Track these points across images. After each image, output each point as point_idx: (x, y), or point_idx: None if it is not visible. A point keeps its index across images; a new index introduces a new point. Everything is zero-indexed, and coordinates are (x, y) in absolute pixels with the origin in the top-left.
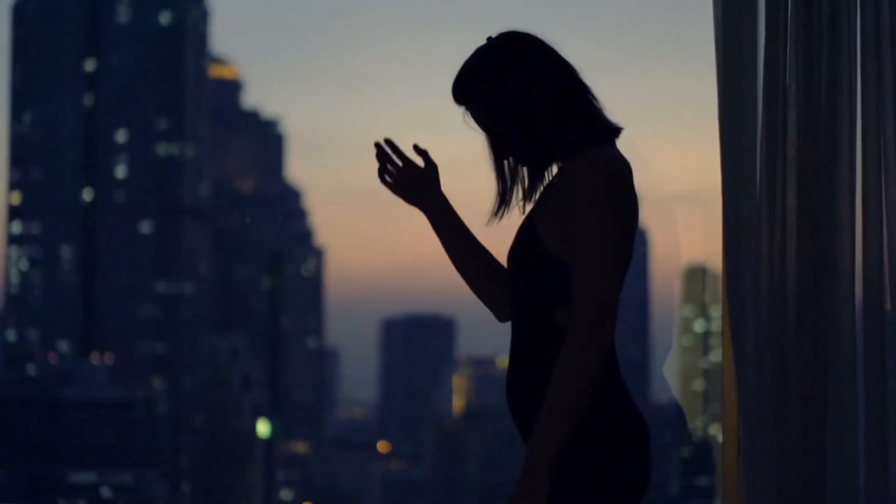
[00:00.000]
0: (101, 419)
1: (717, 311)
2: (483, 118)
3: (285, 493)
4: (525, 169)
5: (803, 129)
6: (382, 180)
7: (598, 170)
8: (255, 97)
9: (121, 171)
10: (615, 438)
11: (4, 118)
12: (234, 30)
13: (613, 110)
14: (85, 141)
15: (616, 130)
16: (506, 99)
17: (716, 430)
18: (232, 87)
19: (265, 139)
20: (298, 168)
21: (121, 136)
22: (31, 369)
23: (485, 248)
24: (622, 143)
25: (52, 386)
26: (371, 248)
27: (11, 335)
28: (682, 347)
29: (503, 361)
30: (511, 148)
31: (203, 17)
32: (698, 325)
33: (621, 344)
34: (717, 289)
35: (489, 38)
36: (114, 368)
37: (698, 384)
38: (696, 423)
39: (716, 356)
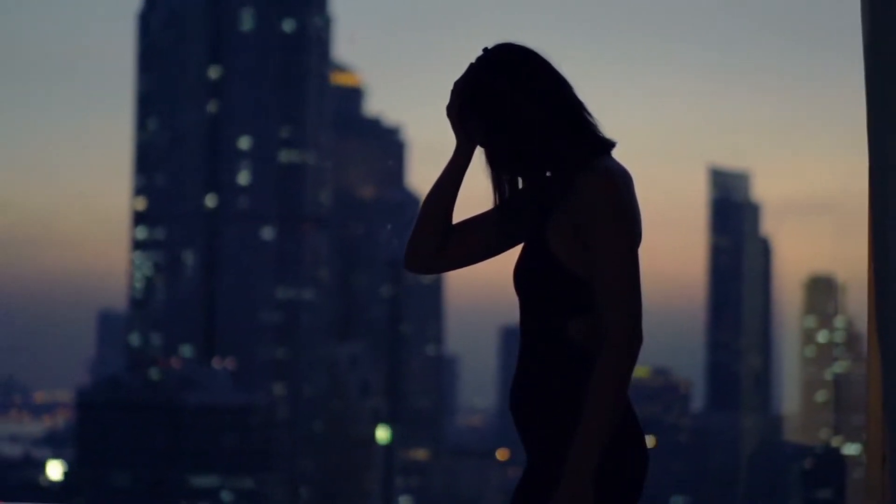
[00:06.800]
0: (222, 424)
1: (841, 322)
2: (478, 130)
3: (404, 500)
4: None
5: None
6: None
7: (611, 182)
8: (377, 105)
9: (244, 178)
10: (617, 450)
11: (130, 125)
12: (357, 37)
13: (744, 123)
14: (209, 147)
15: (609, 145)
16: (497, 111)
17: (839, 442)
18: (354, 95)
19: (387, 147)
20: (419, 175)
21: (244, 142)
22: (154, 373)
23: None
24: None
25: (175, 390)
26: None
27: (135, 339)
28: (804, 358)
29: None
30: (504, 160)
31: (326, 24)
32: (822, 336)
33: (743, 353)
34: (842, 299)
35: (485, 50)
36: (235, 374)
37: (821, 395)
38: (818, 435)
39: (839, 367)
